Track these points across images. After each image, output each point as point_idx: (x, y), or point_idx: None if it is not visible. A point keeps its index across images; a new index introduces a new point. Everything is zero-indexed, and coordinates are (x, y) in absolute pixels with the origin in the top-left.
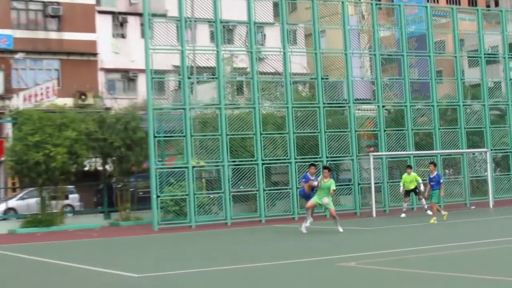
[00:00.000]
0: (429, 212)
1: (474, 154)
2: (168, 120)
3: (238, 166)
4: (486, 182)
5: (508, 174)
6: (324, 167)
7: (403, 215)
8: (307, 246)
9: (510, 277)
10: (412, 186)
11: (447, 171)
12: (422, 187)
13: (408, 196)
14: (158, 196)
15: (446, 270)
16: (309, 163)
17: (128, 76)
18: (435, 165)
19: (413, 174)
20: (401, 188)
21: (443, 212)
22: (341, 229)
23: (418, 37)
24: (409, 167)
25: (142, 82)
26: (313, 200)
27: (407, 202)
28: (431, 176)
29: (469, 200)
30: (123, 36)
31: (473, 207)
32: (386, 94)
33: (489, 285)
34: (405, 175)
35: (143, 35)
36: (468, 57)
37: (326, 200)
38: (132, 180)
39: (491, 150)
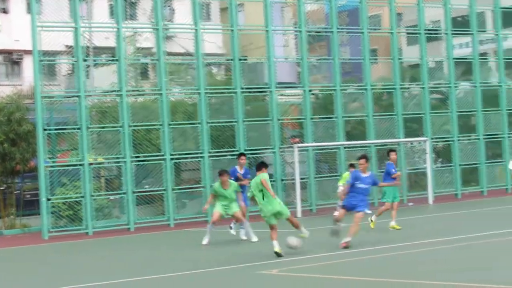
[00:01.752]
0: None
1: (412, 143)
2: (60, 110)
3: (143, 163)
4: (425, 175)
5: (450, 166)
6: (220, 173)
7: (336, 213)
8: (225, 253)
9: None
10: None
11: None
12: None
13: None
14: (48, 199)
15: (374, 275)
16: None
17: (12, 59)
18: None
19: None
20: (339, 188)
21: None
22: (251, 238)
23: (350, 11)
24: (352, 165)
25: (28, 65)
26: (219, 210)
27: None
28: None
29: (407, 196)
30: (4, 11)
31: (410, 204)
32: (314, 76)
33: None
34: (346, 174)
35: (29, 9)
36: (407, 33)
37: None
38: (18, 181)
39: (431, 139)
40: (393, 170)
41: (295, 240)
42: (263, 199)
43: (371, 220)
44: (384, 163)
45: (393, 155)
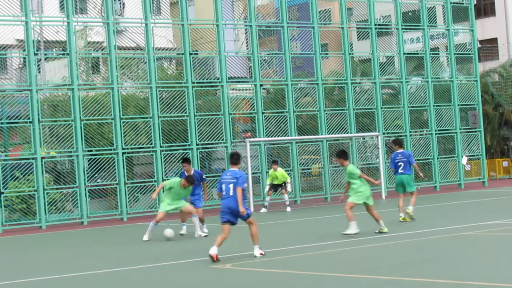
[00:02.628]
0: (289, 209)
1: (364, 138)
2: (12, 103)
3: (95, 156)
4: (378, 171)
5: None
6: (188, 180)
7: (263, 210)
8: (179, 247)
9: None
10: (279, 183)
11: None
12: (289, 187)
13: (272, 190)
14: (1, 193)
15: (323, 270)
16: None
17: None
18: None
19: (280, 170)
20: (267, 187)
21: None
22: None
23: (300, 6)
24: (275, 162)
25: None
26: (164, 211)
27: (270, 196)
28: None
29: None
30: None
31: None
32: (265, 71)
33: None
34: (271, 171)
35: None
36: (357, 28)
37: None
38: None
39: (383, 133)
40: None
41: (169, 232)
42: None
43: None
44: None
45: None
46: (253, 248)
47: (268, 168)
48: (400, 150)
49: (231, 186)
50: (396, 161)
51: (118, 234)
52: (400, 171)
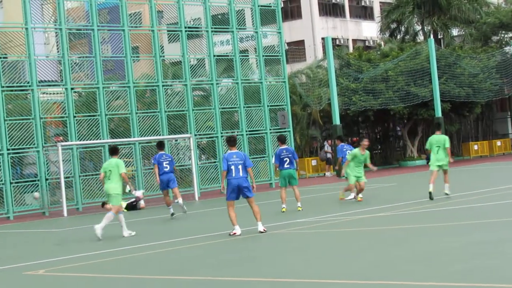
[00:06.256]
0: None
1: (176, 140)
2: None
3: None
4: (190, 172)
5: (215, 162)
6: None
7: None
8: None
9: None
10: None
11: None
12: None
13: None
14: None
15: (142, 273)
16: None
17: None
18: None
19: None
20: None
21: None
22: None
23: (111, 9)
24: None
25: None
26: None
27: None
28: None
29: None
30: None
31: (176, 201)
32: (76, 74)
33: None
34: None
35: None
36: (168, 31)
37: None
38: None
39: (195, 135)
40: None
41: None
42: None
43: None
44: (150, 160)
45: None
46: None
47: (82, 172)
48: (284, 147)
49: None
50: (281, 156)
51: None
52: (286, 166)
